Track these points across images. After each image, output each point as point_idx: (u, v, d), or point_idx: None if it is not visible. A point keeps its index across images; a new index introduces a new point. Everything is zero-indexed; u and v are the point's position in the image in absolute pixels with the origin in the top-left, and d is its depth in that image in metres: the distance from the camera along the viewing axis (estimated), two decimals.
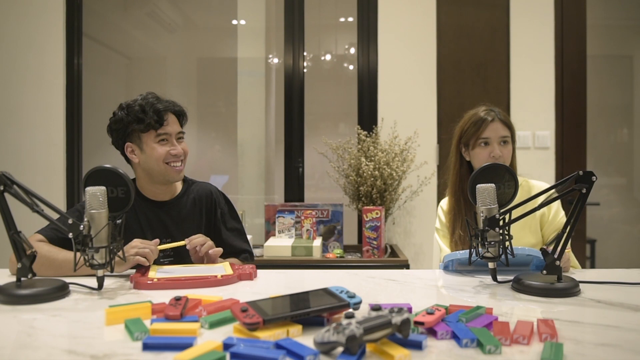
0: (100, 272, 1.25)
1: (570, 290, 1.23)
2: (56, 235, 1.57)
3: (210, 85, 4.11)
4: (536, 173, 2.94)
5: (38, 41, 3.13)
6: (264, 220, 2.84)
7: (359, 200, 2.85)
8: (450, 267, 1.51)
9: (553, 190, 1.34)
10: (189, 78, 4.18)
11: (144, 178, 1.73)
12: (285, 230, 2.76)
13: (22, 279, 1.21)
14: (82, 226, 1.21)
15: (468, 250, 1.35)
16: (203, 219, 1.78)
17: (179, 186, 1.81)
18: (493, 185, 1.31)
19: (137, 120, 1.66)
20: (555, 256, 1.26)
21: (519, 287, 1.26)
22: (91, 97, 3.34)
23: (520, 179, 1.77)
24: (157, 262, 1.66)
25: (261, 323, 0.90)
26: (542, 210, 1.74)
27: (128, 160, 1.75)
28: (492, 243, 1.28)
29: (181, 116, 1.75)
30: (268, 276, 1.45)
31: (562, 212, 1.80)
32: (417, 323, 0.92)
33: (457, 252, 1.47)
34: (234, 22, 3.58)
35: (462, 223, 1.80)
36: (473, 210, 1.76)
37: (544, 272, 1.27)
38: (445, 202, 1.93)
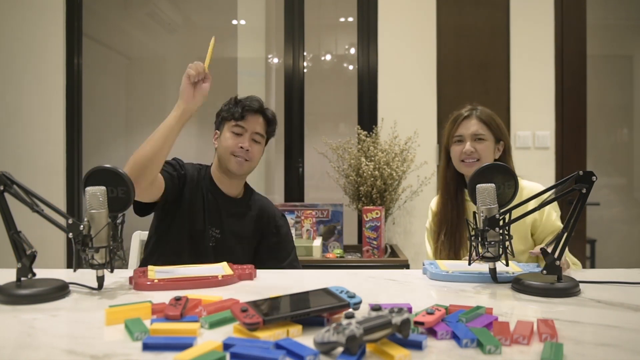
0: (100, 272, 1.25)
1: (570, 290, 1.23)
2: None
3: (211, 85, 4.11)
4: (536, 173, 2.95)
5: (38, 41, 3.13)
6: None
7: (359, 200, 2.85)
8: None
9: (553, 191, 1.33)
10: None
11: (218, 166, 1.83)
12: None
13: (22, 279, 1.21)
14: (82, 226, 1.21)
15: (451, 271, 1.38)
16: (253, 226, 1.85)
17: (242, 190, 1.88)
18: (493, 185, 1.31)
19: (227, 109, 1.81)
20: (555, 256, 1.26)
21: (519, 287, 1.26)
22: (91, 97, 3.34)
23: None
24: (204, 245, 1.75)
25: (261, 323, 0.90)
26: (532, 216, 1.72)
27: None
28: (492, 243, 1.28)
29: (270, 122, 1.84)
30: (268, 276, 1.45)
31: (555, 213, 1.77)
32: (417, 323, 0.92)
33: (443, 271, 1.42)
34: (234, 22, 3.58)
35: (447, 229, 1.79)
36: (462, 215, 1.76)
37: (544, 272, 1.27)
38: (434, 203, 1.93)
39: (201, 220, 1.77)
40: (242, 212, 1.85)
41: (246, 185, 1.91)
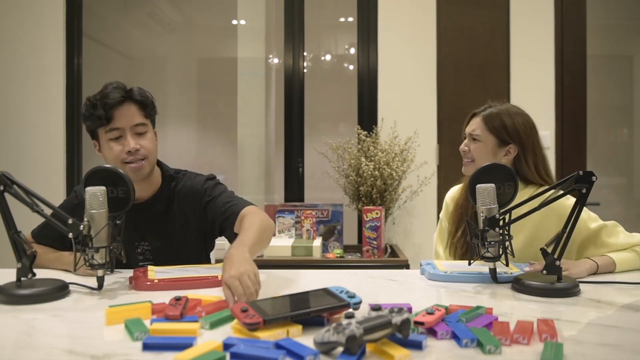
0: (100, 272, 1.25)
1: (570, 290, 1.23)
2: (48, 237, 1.61)
3: (210, 85, 4.11)
4: None
5: (38, 41, 3.13)
6: None
7: (359, 200, 2.85)
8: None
9: (553, 191, 1.33)
10: (189, 78, 4.18)
11: None
12: (285, 231, 2.76)
13: (22, 279, 1.21)
14: (82, 226, 1.21)
15: (449, 271, 1.37)
16: (189, 215, 1.63)
17: (158, 182, 1.64)
18: (493, 185, 1.31)
19: (88, 117, 1.53)
20: (555, 256, 1.26)
21: (519, 287, 1.26)
22: None
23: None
24: (136, 265, 1.61)
25: (261, 323, 0.90)
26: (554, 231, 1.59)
27: None
28: (492, 243, 1.28)
29: (145, 105, 1.56)
30: (268, 276, 1.45)
31: (585, 215, 1.57)
32: (417, 323, 0.92)
33: (441, 271, 1.41)
34: (234, 22, 3.58)
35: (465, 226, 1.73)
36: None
37: (544, 272, 1.27)
38: (451, 196, 1.83)
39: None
40: (162, 210, 1.62)
41: (163, 175, 1.65)
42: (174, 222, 1.64)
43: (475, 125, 1.69)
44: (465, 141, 1.72)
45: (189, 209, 1.64)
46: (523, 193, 1.60)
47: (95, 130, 1.55)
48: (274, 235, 2.74)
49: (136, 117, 1.54)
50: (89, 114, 1.53)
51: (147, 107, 1.57)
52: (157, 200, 1.63)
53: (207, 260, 1.74)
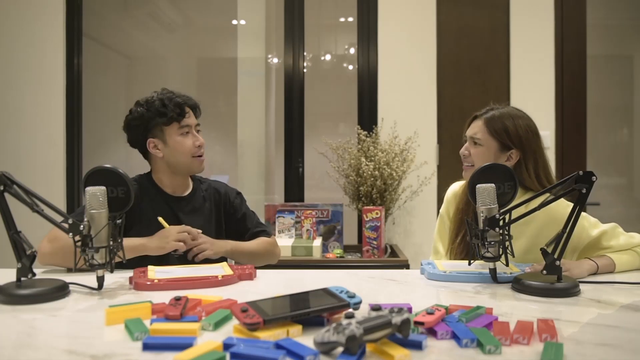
0: (100, 272, 1.25)
1: (570, 290, 1.23)
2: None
3: (210, 85, 4.11)
4: None
5: (38, 41, 3.13)
6: (264, 220, 2.84)
7: (359, 200, 2.85)
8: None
9: (548, 195, 1.33)
10: (189, 78, 4.18)
11: (165, 171, 1.76)
12: (285, 230, 2.76)
13: (22, 279, 1.21)
14: (82, 226, 1.22)
15: (448, 271, 1.37)
16: (213, 215, 1.82)
17: (190, 183, 1.84)
18: (493, 185, 1.31)
19: (159, 114, 1.69)
20: (555, 256, 1.26)
21: (519, 287, 1.26)
22: (91, 97, 3.33)
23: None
24: (169, 256, 1.66)
25: (261, 323, 0.90)
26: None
27: (146, 157, 1.79)
28: (492, 243, 1.28)
29: (195, 109, 1.80)
30: (268, 276, 1.45)
31: (587, 224, 1.57)
32: (417, 323, 0.92)
33: (441, 271, 1.41)
34: (234, 22, 3.58)
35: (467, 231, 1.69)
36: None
37: (544, 272, 1.27)
38: (453, 191, 1.80)
39: (157, 231, 1.66)
40: (199, 206, 1.80)
41: (192, 177, 1.87)
42: (205, 216, 1.80)
43: (477, 129, 1.64)
44: (466, 145, 1.67)
45: (218, 209, 1.84)
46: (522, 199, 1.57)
47: (159, 127, 1.71)
48: (274, 235, 2.74)
49: (195, 118, 1.79)
50: (159, 112, 1.69)
51: (197, 112, 1.81)
52: (194, 196, 1.81)
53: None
